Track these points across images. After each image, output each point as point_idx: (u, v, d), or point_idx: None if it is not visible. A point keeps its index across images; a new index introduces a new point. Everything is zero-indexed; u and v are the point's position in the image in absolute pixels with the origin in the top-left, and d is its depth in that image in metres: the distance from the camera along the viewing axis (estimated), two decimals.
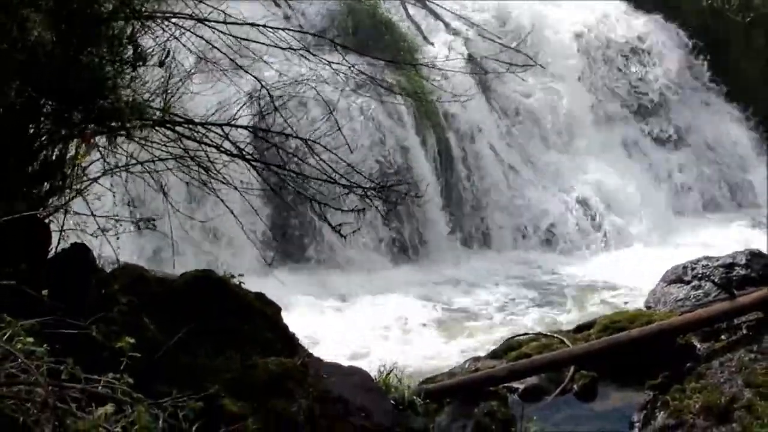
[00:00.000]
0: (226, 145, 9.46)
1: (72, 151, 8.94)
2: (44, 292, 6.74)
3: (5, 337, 5.87)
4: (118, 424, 5.73)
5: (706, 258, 12.81)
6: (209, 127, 9.46)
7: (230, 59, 9.95)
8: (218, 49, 9.77)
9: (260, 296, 9.82)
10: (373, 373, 10.24)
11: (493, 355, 11.88)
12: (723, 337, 11.23)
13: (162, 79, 9.15)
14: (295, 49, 9.76)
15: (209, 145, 9.39)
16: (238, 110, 9.94)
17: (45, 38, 7.95)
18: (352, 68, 10.38)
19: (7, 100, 8.26)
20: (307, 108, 17.85)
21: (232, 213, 10.33)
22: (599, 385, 11.02)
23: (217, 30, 9.43)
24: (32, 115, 8.59)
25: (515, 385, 10.87)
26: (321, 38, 12.49)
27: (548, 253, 22.16)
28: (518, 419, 9.90)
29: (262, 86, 9.96)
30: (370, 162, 20.40)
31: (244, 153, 9.64)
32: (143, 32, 8.87)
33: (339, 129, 10.54)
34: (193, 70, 9.71)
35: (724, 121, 26.31)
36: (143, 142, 9.19)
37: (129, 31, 8.52)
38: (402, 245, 21.05)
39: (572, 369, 11.12)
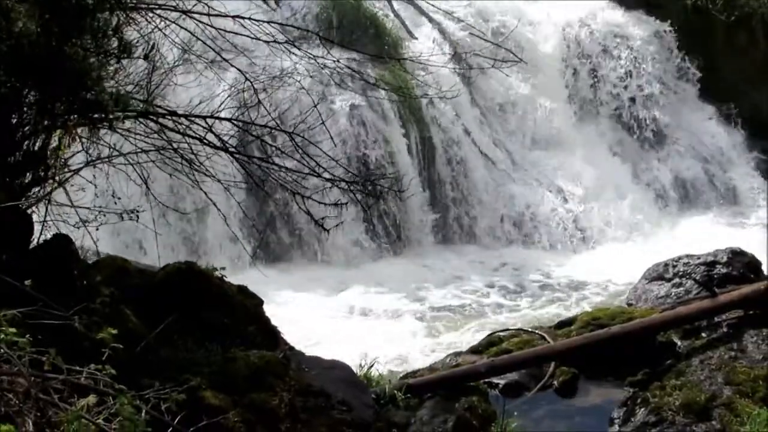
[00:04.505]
0: (210, 137, 9.44)
1: (55, 142, 8.91)
2: (27, 282, 6.73)
3: None
4: (101, 416, 5.73)
5: (688, 256, 12.86)
6: (193, 119, 9.44)
7: (215, 52, 9.94)
8: (202, 42, 9.75)
9: (242, 289, 9.83)
10: (355, 367, 10.25)
11: (474, 350, 11.90)
12: (704, 334, 11.28)
13: (146, 71, 9.13)
14: (279, 42, 9.75)
15: (192, 138, 9.38)
16: (222, 103, 9.92)
17: (29, 29, 7.92)
18: (336, 62, 10.38)
19: None
20: (291, 102, 17.83)
21: (215, 206, 10.32)
22: (579, 381, 11.06)
23: (202, 22, 9.42)
24: (15, 106, 8.56)
25: (496, 380, 10.89)
26: (305, 32, 12.49)
27: (530, 249, 22.16)
28: (499, 415, 9.91)
29: (246, 79, 9.95)
30: (353, 156, 20.39)
31: (227, 146, 9.63)
32: (128, 24, 8.85)
33: (323, 122, 10.54)
34: (177, 62, 9.69)
35: (706, 120, 26.34)
36: (126, 133, 9.17)
37: (114, 22, 8.49)
38: (384, 240, 21.04)
39: (553, 365, 11.15)
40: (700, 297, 11.77)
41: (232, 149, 9.76)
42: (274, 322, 9.97)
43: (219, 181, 9.81)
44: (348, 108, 20.92)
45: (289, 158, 10.07)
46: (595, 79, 25.64)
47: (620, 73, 25.81)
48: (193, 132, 9.39)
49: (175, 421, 6.35)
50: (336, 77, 11.34)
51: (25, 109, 8.67)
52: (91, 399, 5.82)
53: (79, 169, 9.10)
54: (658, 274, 12.80)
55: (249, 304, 9.72)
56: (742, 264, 12.50)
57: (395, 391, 9.89)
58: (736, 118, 26.33)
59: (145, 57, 8.92)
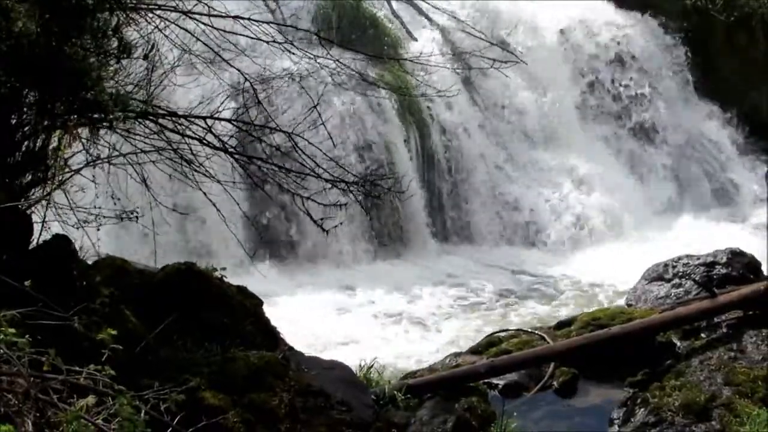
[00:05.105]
0: (209, 138, 9.44)
1: (55, 142, 8.91)
2: (26, 282, 6.72)
3: None
4: (100, 416, 5.72)
5: (687, 256, 12.86)
6: (192, 119, 9.44)
7: (214, 52, 9.93)
8: (202, 42, 9.75)
9: (242, 289, 9.83)
10: (354, 368, 10.25)
11: (474, 350, 11.90)
12: (703, 335, 11.29)
13: (145, 71, 9.13)
14: (279, 43, 9.75)
15: (192, 138, 9.38)
16: (222, 103, 9.92)
17: (29, 29, 7.92)
18: (336, 62, 10.38)
19: None
20: (291, 102, 17.83)
21: (215, 206, 10.31)
22: (579, 381, 11.07)
23: (201, 23, 9.41)
24: (15, 106, 8.56)
25: (495, 381, 10.89)
26: (305, 32, 12.48)
27: (530, 249, 22.15)
28: (498, 415, 9.91)
29: (246, 79, 9.94)
30: (352, 157, 20.38)
31: (227, 146, 9.63)
32: (127, 24, 8.85)
33: (323, 123, 10.53)
34: (176, 63, 9.68)
35: (705, 120, 26.35)
36: (126, 134, 9.18)
37: (114, 22, 8.49)
38: (384, 240, 21.03)
39: (552, 365, 11.15)
40: (699, 297, 11.77)
41: (232, 149, 9.76)
42: (273, 322, 9.98)
43: (218, 181, 9.80)
44: (347, 108, 20.92)
45: (288, 159, 10.07)
46: (595, 80, 25.63)
47: (620, 74, 25.82)
48: (193, 132, 9.39)
49: (175, 421, 6.34)
50: (335, 77, 11.30)
51: (24, 109, 8.67)
52: (91, 399, 5.82)
53: (79, 170, 9.10)
54: (657, 275, 12.80)
55: (249, 304, 9.72)
56: (741, 264, 12.51)
57: (395, 392, 9.89)
58: (736, 118, 26.34)
59: (145, 57, 8.93)
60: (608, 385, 11.01)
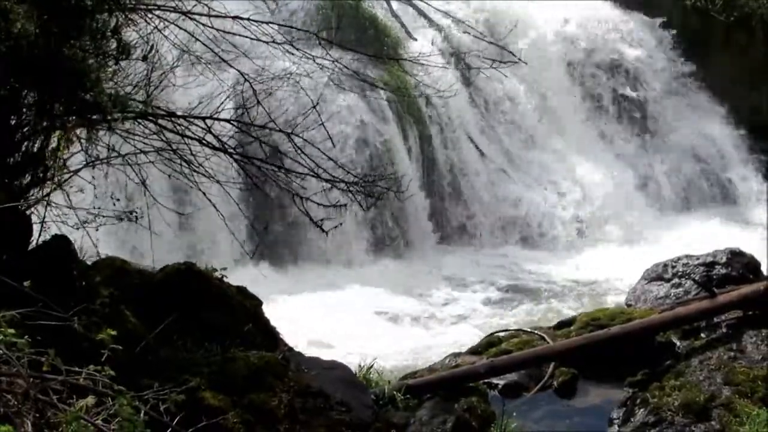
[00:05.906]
0: (209, 138, 9.44)
1: (54, 143, 8.90)
2: (26, 283, 6.71)
3: None
4: (100, 417, 5.72)
5: (687, 256, 12.85)
6: (191, 120, 9.43)
7: (214, 53, 9.92)
8: (202, 43, 9.74)
9: (242, 290, 9.83)
10: (354, 368, 10.25)
11: (474, 350, 11.89)
12: (703, 335, 11.28)
13: (145, 72, 9.12)
14: (278, 43, 9.74)
15: (191, 138, 9.37)
16: (221, 104, 9.91)
17: (28, 30, 7.92)
18: (335, 63, 10.37)
19: None
20: (290, 102, 17.82)
21: (215, 207, 10.30)
22: (579, 381, 11.06)
23: (201, 23, 9.41)
24: (14, 106, 8.56)
25: (495, 381, 10.89)
26: (305, 32, 12.47)
27: (530, 249, 22.18)
28: (498, 415, 9.91)
29: (246, 79, 9.94)
30: (352, 157, 20.37)
31: (226, 146, 9.62)
32: (126, 25, 8.84)
33: (322, 123, 10.52)
34: (176, 63, 9.67)
35: (705, 119, 26.35)
36: (125, 134, 9.17)
37: (113, 23, 8.49)
38: (383, 240, 21.04)
39: (552, 365, 11.14)
40: (699, 297, 11.76)
41: (231, 150, 9.75)
42: (273, 322, 9.97)
43: (218, 181, 9.79)
44: (347, 109, 20.91)
45: (288, 159, 10.07)
46: (595, 80, 25.63)
47: (620, 74, 25.82)
48: (192, 133, 9.38)
49: (174, 421, 6.34)
50: (335, 78, 11.29)
51: (24, 110, 8.67)
52: (90, 400, 5.81)
53: (78, 170, 9.10)
54: (657, 275, 12.79)
55: (248, 304, 9.72)
56: (741, 264, 12.49)
57: (394, 392, 9.88)
58: (736, 118, 26.33)
59: (144, 58, 8.92)
60: (608, 385, 11.00)
